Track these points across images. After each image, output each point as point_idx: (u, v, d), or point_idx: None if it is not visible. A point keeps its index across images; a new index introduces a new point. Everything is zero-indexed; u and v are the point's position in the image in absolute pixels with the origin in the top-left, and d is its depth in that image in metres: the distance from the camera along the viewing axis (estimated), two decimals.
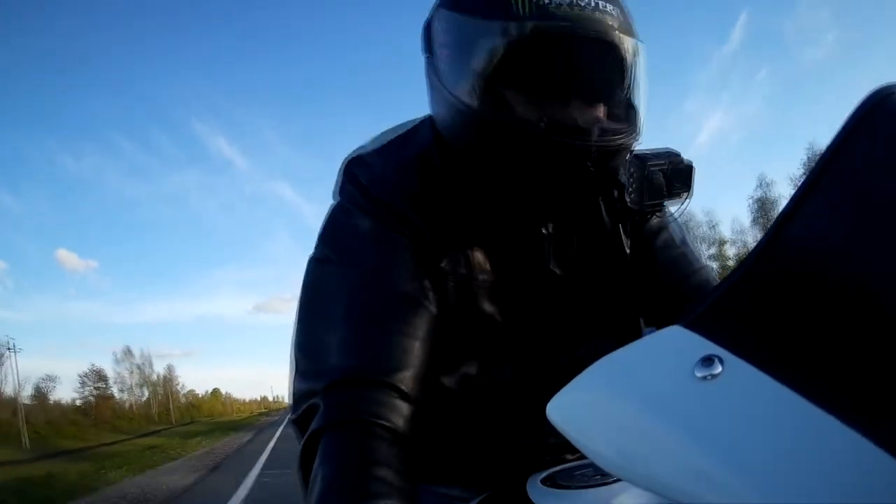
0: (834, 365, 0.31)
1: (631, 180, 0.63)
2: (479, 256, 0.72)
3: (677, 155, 0.65)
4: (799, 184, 0.35)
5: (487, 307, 0.72)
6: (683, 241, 0.82)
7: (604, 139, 0.62)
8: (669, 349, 0.35)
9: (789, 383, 0.30)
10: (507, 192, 0.70)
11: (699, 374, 0.32)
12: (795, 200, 0.34)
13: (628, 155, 0.64)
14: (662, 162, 0.63)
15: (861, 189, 0.34)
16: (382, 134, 0.77)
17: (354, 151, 0.75)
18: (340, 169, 0.74)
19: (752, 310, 0.34)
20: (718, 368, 0.32)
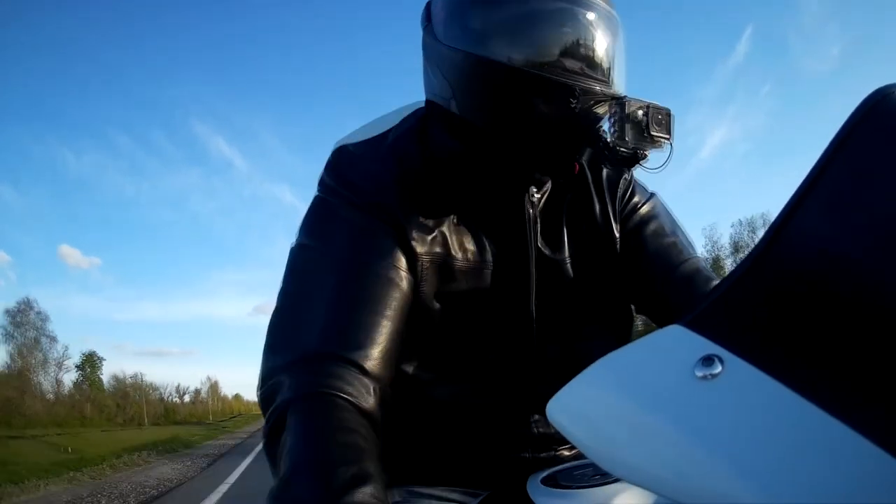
0: (834, 365, 0.31)
1: (613, 120, 0.67)
2: (459, 239, 0.73)
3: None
4: (799, 183, 0.35)
5: (468, 289, 0.73)
6: (674, 231, 0.83)
7: (588, 80, 0.67)
8: (669, 348, 0.35)
9: (789, 383, 0.30)
10: (495, 151, 0.71)
11: (699, 374, 0.32)
12: (795, 200, 0.34)
13: (609, 102, 0.68)
14: (642, 103, 0.67)
15: (861, 188, 0.34)
16: (369, 123, 0.79)
17: (339, 141, 0.77)
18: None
19: (752, 310, 0.34)
20: (718, 368, 0.32)
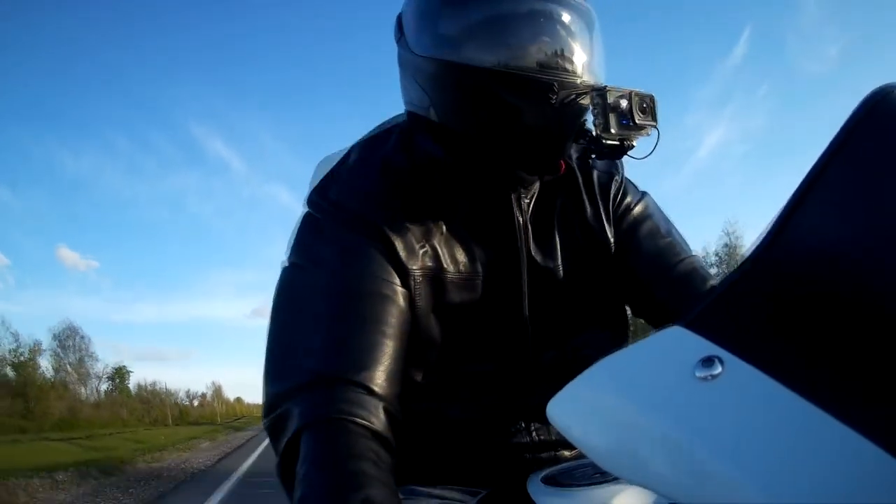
0: (834, 365, 0.31)
1: (596, 111, 0.66)
2: (450, 251, 0.72)
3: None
4: (800, 183, 0.35)
5: (462, 300, 0.72)
6: (669, 231, 0.82)
7: (565, 75, 0.66)
8: (669, 349, 0.35)
9: (789, 383, 0.30)
10: (477, 155, 0.71)
11: (699, 375, 0.32)
12: (795, 199, 0.34)
13: (590, 94, 0.67)
14: (623, 91, 0.66)
15: (861, 188, 0.34)
16: (354, 143, 0.78)
17: (324, 158, 0.77)
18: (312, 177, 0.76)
19: (753, 310, 0.34)
20: (718, 369, 0.32)
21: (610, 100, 0.65)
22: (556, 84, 0.65)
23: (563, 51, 0.66)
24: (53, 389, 33.68)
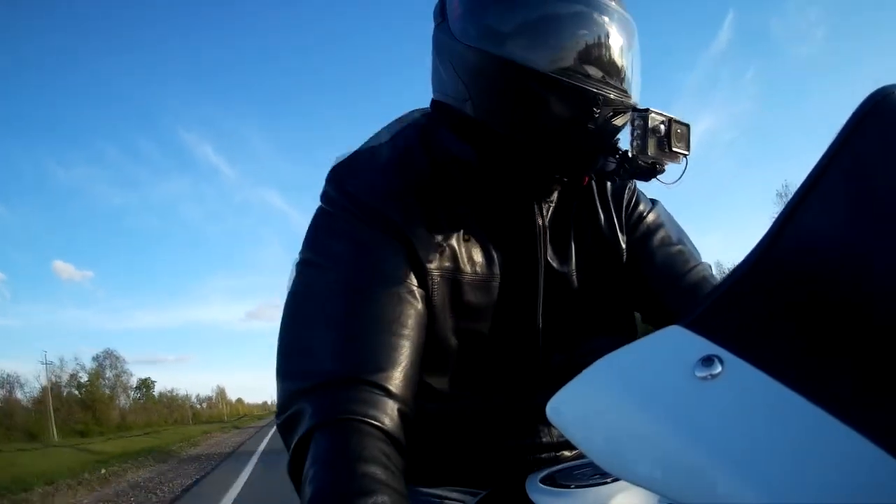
0: (834, 364, 0.31)
1: (636, 132, 0.66)
2: (468, 252, 0.72)
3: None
4: (800, 183, 0.35)
5: (477, 302, 0.72)
6: (680, 240, 0.83)
7: (609, 88, 0.66)
8: (669, 349, 0.35)
9: (789, 383, 0.30)
10: (512, 157, 0.70)
11: (699, 374, 0.32)
12: (796, 199, 0.34)
13: (631, 113, 0.67)
14: (664, 116, 0.67)
15: (861, 189, 0.34)
16: (371, 137, 0.77)
17: (343, 154, 0.75)
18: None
19: (752, 310, 0.34)
20: (718, 368, 0.32)
21: (651, 123, 0.66)
22: (601, 98, 0.64)
23: (610, 65, 0.66)
24: (111, 401, 46.92)
